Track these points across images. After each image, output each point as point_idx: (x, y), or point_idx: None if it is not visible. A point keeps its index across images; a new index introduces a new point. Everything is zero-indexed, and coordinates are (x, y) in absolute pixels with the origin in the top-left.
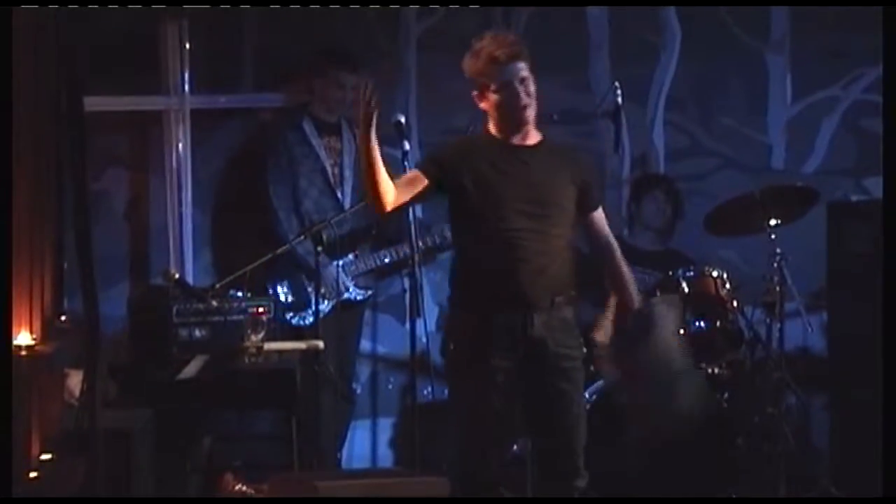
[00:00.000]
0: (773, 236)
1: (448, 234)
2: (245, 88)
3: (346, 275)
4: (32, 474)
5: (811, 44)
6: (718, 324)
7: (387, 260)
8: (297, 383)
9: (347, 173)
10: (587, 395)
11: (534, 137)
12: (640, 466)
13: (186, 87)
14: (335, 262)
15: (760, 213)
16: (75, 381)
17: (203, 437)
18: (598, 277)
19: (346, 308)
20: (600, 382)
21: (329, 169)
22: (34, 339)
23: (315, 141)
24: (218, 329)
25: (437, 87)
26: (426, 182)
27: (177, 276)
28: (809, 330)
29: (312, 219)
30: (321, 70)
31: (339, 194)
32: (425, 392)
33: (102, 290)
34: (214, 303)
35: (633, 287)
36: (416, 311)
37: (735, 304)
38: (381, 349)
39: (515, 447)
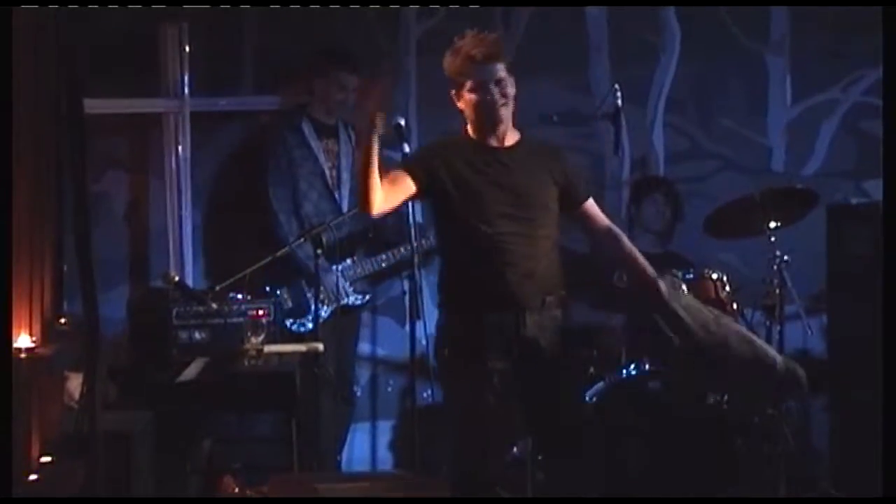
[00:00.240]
0: (772, 239)
1: None
2: (245, 91)
3: (345, 279)
4: (32, 477)
5: (811, 45)
6: None
7: (384, 264)
8: (296, 386)
9: (345, 176)
10: (587, 398)
11: (511, 138)
12: (641, 466)
13: (186, 90)
14: (334, 267)
15: (760, 216)
16: (75, 383)
17: (203, 439)
18: (596, 277)
19: (345, 313)
20: (601, 384)
21: (327, 171)
22: (34, 342)
23: (314, 143)
24: (218, 331)
25: (436, 89)
26: (414, 189)
27: (177, 278)
28: (809, 332)
29: (312, 222)
30: (322, 70)
31: (336, 197)
32: (425, 395)
33: (102, 293)
34: (214, 305)
35: (648, 265)
36: (416, 313)
37: (735, 306)
38: (380, 352)
39: (515, 449)
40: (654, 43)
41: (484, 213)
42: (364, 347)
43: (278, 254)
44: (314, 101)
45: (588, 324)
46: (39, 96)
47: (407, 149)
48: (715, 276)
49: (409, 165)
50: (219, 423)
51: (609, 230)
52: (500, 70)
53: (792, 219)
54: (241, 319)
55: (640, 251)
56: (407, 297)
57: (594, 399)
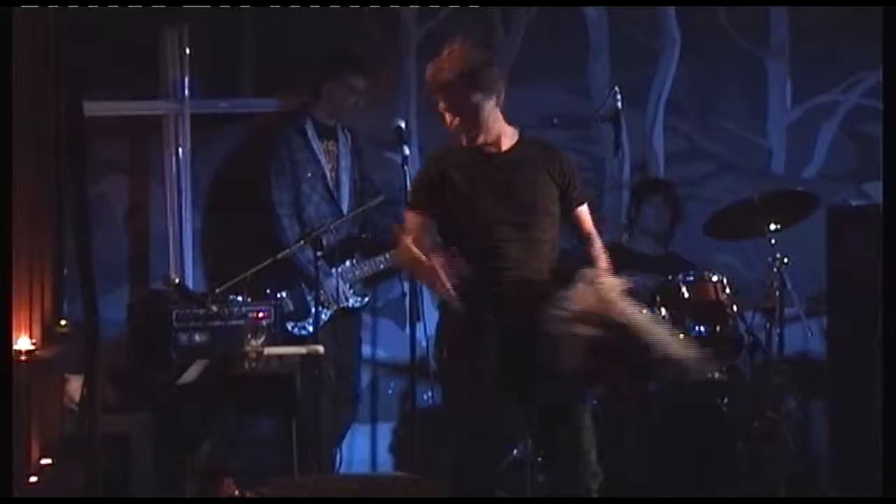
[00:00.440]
0: (772, 241)
1: None
2: (245, 93)
3: (344, 281)
4: (32, 478)
5: (810, 48)
6: (718, 329)
7: (382, 265)
8: (296, 388)
9: (344, 177)
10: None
11: (508, 141)
12: (641, 468)
13: (186, 92)
14: (334, 270)
15: (760, 218)
16: (75, 385)
17: (203, 441)
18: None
19: (345, 315)
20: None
21: (328, 173)
22: (34, 344)
23: (316, 145)
24: (218, 334)
25: None
26: (426, 218)
27: (177, 280)
28: (809, 334)
29: (313, 224)
30: (332, 72)
31: (336, 199)
32: (425, 397)
33: (102, 295)
34: (214, 307)
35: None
36: (416, 315)
37: (735, 308)
38: (381, 354)
39: (515, 451)
40: (653, 47)
41: (482, 221)
42: (364, 350)
43: (278, 256)
44: (319, 103)
45: None
46: (39, 97)
47: (407, 151)
48: (715, 278)
49: (414, 209)
50: (219, 425)
51: (589, 235)
52: (442, 102)
53: (792, 221)
54: (241, 322)
55: (640, 253)
56: (407, 299)
57: (594, 401)
